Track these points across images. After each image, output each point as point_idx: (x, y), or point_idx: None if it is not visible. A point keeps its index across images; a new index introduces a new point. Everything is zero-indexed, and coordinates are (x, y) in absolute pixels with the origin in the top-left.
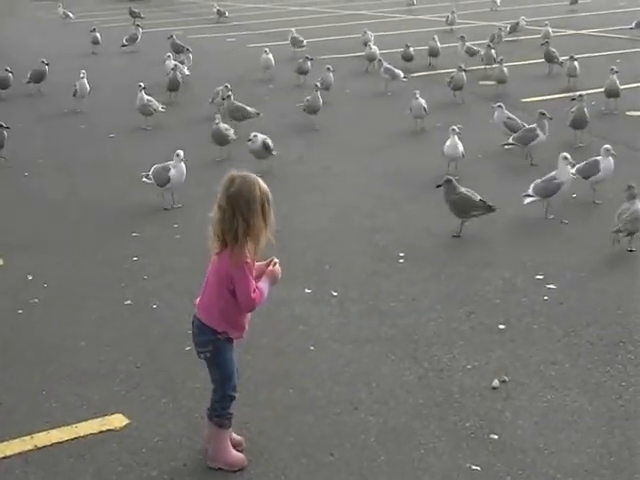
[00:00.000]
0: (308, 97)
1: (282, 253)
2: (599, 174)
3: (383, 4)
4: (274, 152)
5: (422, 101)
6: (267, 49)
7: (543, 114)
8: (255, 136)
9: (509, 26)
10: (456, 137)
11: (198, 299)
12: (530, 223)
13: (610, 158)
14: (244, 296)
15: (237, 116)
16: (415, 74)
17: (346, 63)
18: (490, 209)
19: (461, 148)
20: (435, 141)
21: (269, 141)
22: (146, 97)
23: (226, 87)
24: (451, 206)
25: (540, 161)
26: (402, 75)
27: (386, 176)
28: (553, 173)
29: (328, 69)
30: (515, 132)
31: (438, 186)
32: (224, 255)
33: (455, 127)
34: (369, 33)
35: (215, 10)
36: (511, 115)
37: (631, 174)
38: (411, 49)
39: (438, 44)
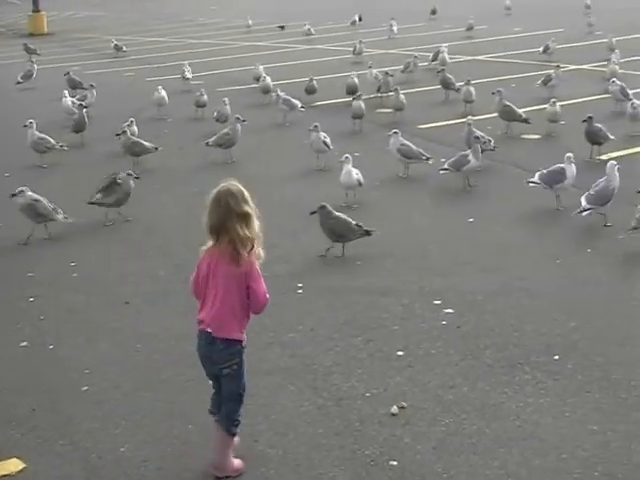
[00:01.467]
0: (227, 130)
1: (183, 284)
2: (565, 182)
3: (281, 35)
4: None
5: (322, 134)
6: (160, 86)
7: (477, 138)
8: (22, 192)
9: (431, 55)
10: (349, 165)
11: (206, 320)
12: (427, 248)
13: (573, 165)
14: (262, 297)
15: (135, 152)
16: (314, 104)
17: (244, 95)
18: (367, 233)
19: (356, 176)
20: (334, 170)
21: (45, 203)
22: (37, 134)
23: (131, 122)
24: (328, 231)
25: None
26: (300, 105)
27: (286, 207)
28: (601, 181)
29: (224, 102)
30: (409, 159)
31: (312, 213)
32: (242, 265)
33: (348, 155)
34: (260, 67)
35: (113, 45)
36: (405, 142)
37: (523, 197)
38: (314, 82)
39: (356, 80)
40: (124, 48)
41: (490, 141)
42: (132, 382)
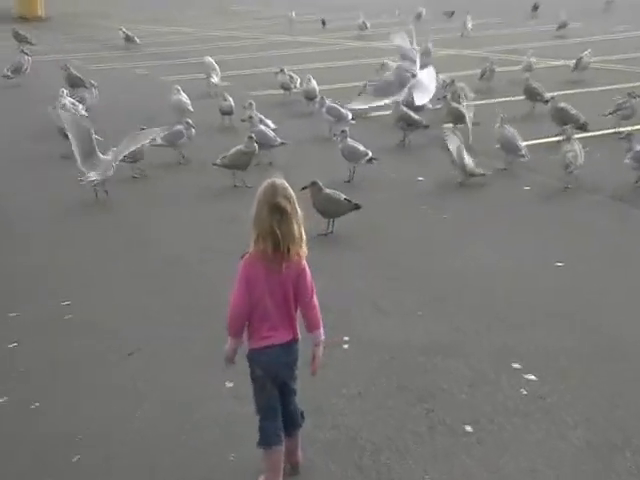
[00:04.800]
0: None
1: (203, 334)
2: None
3: (329, 29)
4: None
5: (350, 142)
6: (178, 87)
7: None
8: None
9: (573, 62)
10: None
11: (278, 332)
12: (504, 296)
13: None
14: (312, 291)
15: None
16: (368, 115)
17: (282, 100)
18: (356, 207)
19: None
20: (367, 189)
21: None
22: None
23: (187, 122)
24: (319, 207)
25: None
26: (350, 116)
27: (327, 239)
28: None
29: (250, 104)
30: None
31: (303, 188)
32: (291, 264)
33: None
34: (286, 71)
35: (122, 35)
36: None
37: (628, 237)
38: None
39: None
40: (137, 39)
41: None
42: (134, 454)
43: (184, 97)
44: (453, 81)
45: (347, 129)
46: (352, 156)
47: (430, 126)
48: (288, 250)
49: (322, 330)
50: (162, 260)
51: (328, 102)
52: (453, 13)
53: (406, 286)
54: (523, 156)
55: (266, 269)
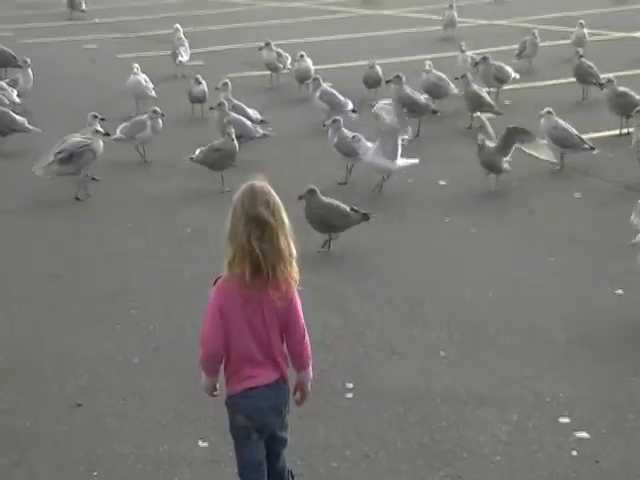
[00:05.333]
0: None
1: (168, 380)
2: None
3: None
4: None
5: (347, 133)
6: (137, 66)
7: None
8: None
9: None
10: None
11: (252, 374)
12: (547, 329)
13: None
14: (303, 324)
15: None
16: (375, 102)
17: (268, 84)
18: (365, 217)
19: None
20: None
21: None
22: None
23: (154, 111)
24: (315, 221)
25: None
26: (350, 105)
27: (322, 260)
28: None
29: (225, 85)
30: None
31: (300, 197)
32: (276, 291)
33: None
34: (273, 47)
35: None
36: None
37: None
38: (378, 68)
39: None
40: (83, 5)
41: None
42: None
43: (144, 78)
44: (485, 58)
45: (340, 118)
46: (351, 150)
47: (450, 115)
48: (273, 272)
49: (311, 368)
50: (107, 295)
51: (324, 85)
52: None
53: (425, 318)
54: (590, 148)
55: (244, 296)
